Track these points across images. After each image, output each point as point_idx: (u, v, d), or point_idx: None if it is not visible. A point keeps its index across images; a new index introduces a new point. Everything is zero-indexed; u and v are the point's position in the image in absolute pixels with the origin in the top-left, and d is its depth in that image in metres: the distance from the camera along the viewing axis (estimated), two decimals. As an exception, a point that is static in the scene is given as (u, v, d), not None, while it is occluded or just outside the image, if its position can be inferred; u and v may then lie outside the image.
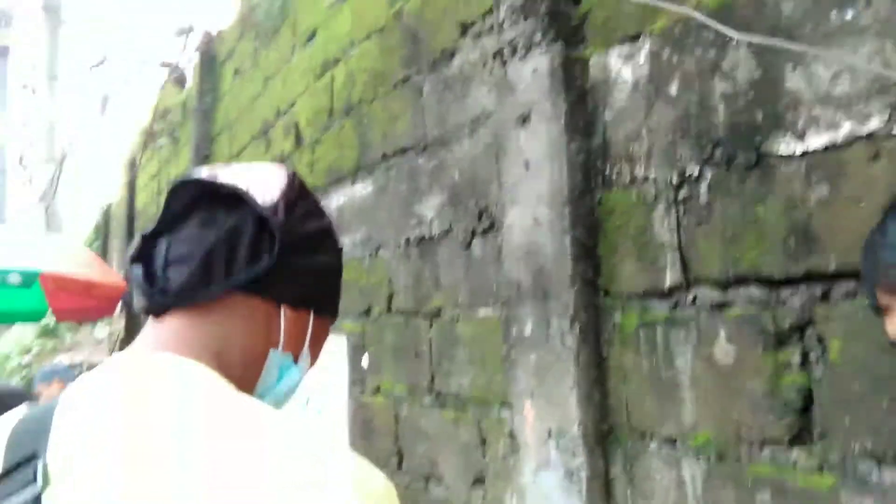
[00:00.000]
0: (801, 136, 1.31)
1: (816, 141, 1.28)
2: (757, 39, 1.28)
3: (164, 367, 0.75)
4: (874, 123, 1.20)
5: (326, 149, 3.48)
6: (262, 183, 0.83)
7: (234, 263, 0.79)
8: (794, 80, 1.32)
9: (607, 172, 1.78)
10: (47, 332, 9.86)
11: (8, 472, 0.69)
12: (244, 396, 0.74)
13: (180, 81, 6.75)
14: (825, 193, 1.27)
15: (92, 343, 9.57)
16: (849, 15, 1.26)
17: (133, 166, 8.17)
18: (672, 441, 1.61)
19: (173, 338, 0.78)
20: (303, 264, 0.85)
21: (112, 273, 7.10)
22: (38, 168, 13.55)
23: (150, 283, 0.80)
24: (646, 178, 1.67)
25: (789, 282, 1.36)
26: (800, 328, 1.35)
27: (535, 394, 1.92)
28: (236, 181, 0.82)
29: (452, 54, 2.44)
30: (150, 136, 7.24)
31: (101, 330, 9.70)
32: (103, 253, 9.56)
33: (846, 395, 1.26)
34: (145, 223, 7.34)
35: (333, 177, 3.35)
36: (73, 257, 6.73)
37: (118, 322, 7.79)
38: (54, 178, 12.40)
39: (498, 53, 2.04)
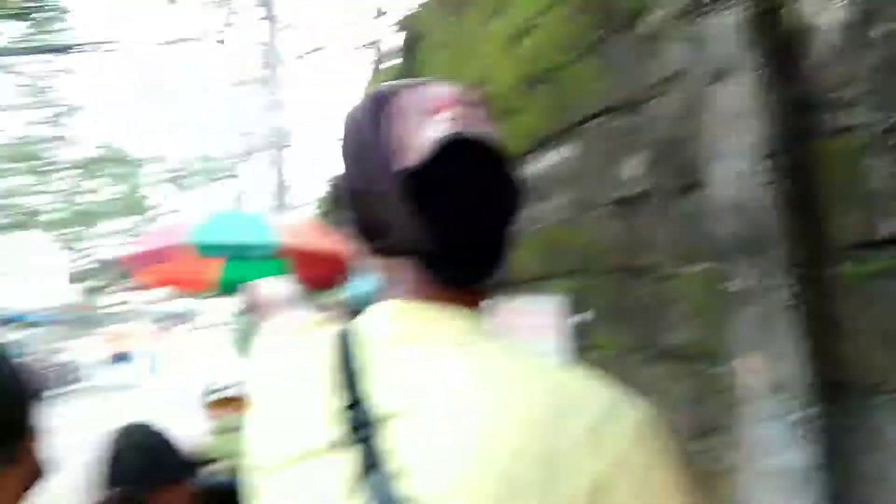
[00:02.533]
0: None
1: None
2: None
3: (465, 324, 0.85)
4: None
5: (523, 117, 3.61)
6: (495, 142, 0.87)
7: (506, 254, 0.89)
8: None
9: (813, 121, 1.75)
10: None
11: (350, 407, 0.79)
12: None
13: (384, 61, 7.17)
14: None
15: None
16: None
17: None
18: (900, 393, 1.59)
19: (452, 298, 0.86)
20: None
21: (341, 245, 7.66)
22: (267, 152, 15.09)
23: (448, 258, 0.84)
24: (854, 125, 1.63)
25: None
26: None
27: (754, 348, 1.95)
28: (494, 142, 0.86)
29: (642, 12, 2.46)
30: (361, 116, 7.71)
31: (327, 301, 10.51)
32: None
33: None
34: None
35: (532, 144, 3.49)
36: (305, 231, 7.38)
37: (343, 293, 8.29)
38: (280, 160, 13.68)
39: (689, 8, 2.05)
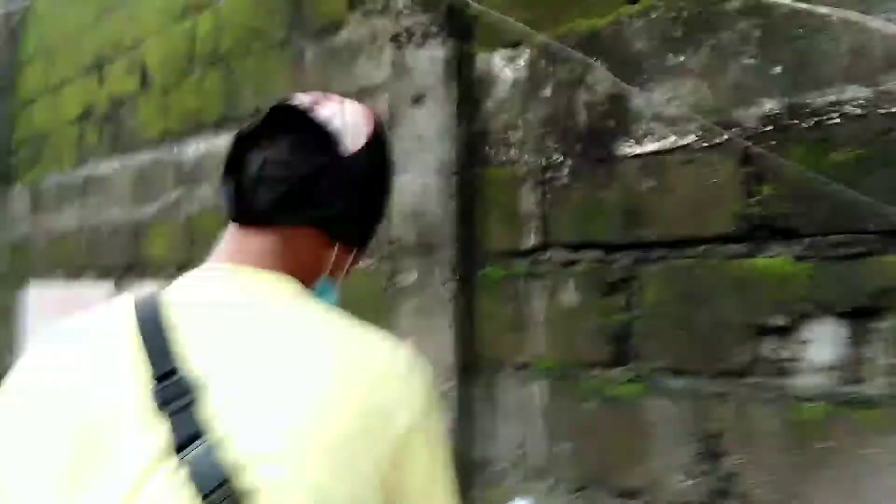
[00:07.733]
0: (638, 142, 1.80)
1: (649, 146, 1.77)
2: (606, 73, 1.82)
3: (276, 287, 0.87)
4: (690, 138, 1.72)
5: (184, 95, 3.51)
6: (354, 127, 0.92)
7: (314, 200, 0.89)
8: (638, 100, 1.80)
9: (487, 152, 2.16)
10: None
11: (161, 378, 0.74)
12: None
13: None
14: (652, 184, 1.78)
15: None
16: (681, 58, 1.74)
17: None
18: (525, 365, 2.04)
19: (258, 252, 0.88)
20: (367, 210, 0.97)
21: None
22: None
23: (240, 196, 0.88)
24: (518, 160, 2.08)
25: (621, 247, 1.83)
26: (625, 280, 1.82)
27: (411, 335, 2.21)
28: (333, 120, 0.91)
29: (339, 26, 2.69)
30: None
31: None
32: None
33: (654, 330, 1.76)
34: None
35: (191, 124, 3.44)
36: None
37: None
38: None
39: (395, 37, 2.35)
